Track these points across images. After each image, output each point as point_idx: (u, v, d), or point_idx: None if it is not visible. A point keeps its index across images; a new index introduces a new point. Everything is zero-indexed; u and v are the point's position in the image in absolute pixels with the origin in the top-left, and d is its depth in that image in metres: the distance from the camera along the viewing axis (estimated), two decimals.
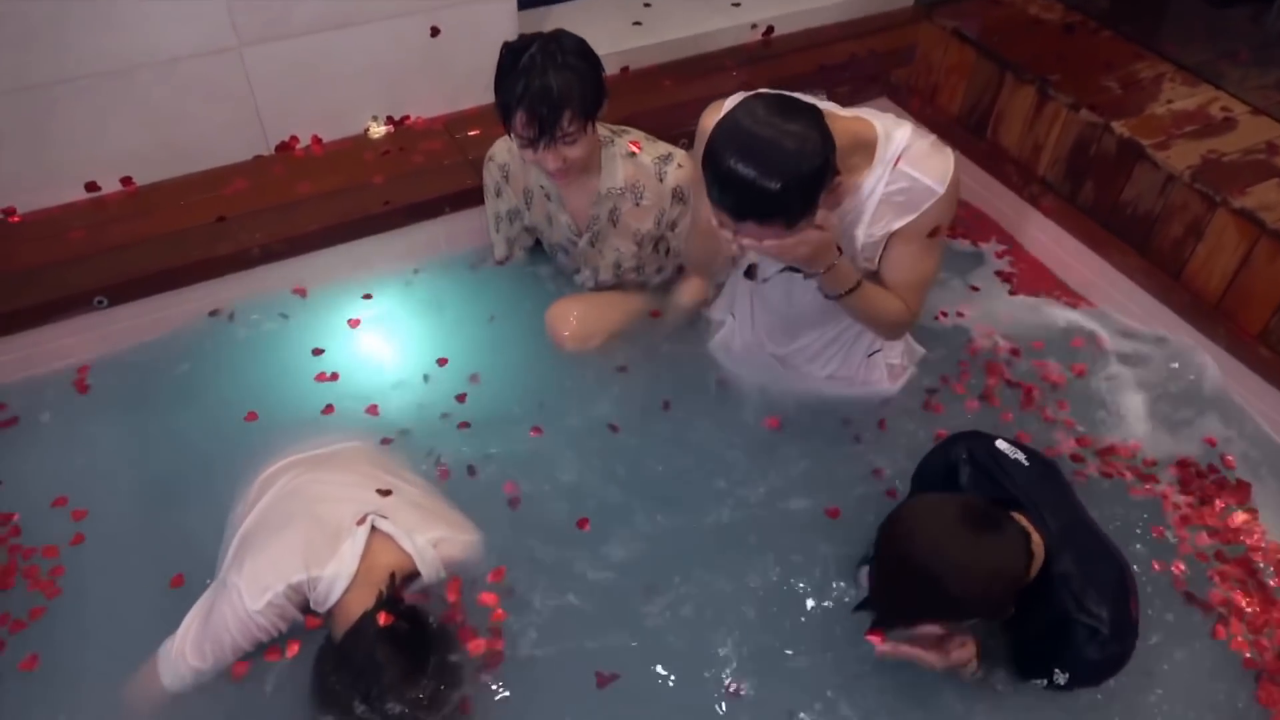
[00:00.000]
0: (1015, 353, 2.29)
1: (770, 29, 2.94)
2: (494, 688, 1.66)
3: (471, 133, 2.56)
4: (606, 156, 2.05)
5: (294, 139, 2.50)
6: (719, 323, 2.21)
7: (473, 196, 2.38)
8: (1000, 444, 1.70)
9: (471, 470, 1.99)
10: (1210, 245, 2.17)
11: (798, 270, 1.67)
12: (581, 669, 1.69)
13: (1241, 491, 2.03)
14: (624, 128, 2.13)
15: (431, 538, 1.68)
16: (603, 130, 2.06)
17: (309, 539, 1.61)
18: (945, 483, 1.73)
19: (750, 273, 1.89)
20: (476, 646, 1.67)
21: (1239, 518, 1.98)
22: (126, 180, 2.36)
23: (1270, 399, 2.14)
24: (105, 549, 1.86)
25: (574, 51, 1.87)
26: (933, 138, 1.68)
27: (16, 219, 2.27)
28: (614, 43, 2.74)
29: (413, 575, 1.65)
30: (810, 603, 1.81)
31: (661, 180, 2.06)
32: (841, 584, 1.81)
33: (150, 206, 2.32)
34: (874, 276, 1.74)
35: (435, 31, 2.47)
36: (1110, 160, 2.33)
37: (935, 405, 2.13)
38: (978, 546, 1.45)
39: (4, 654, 1.70)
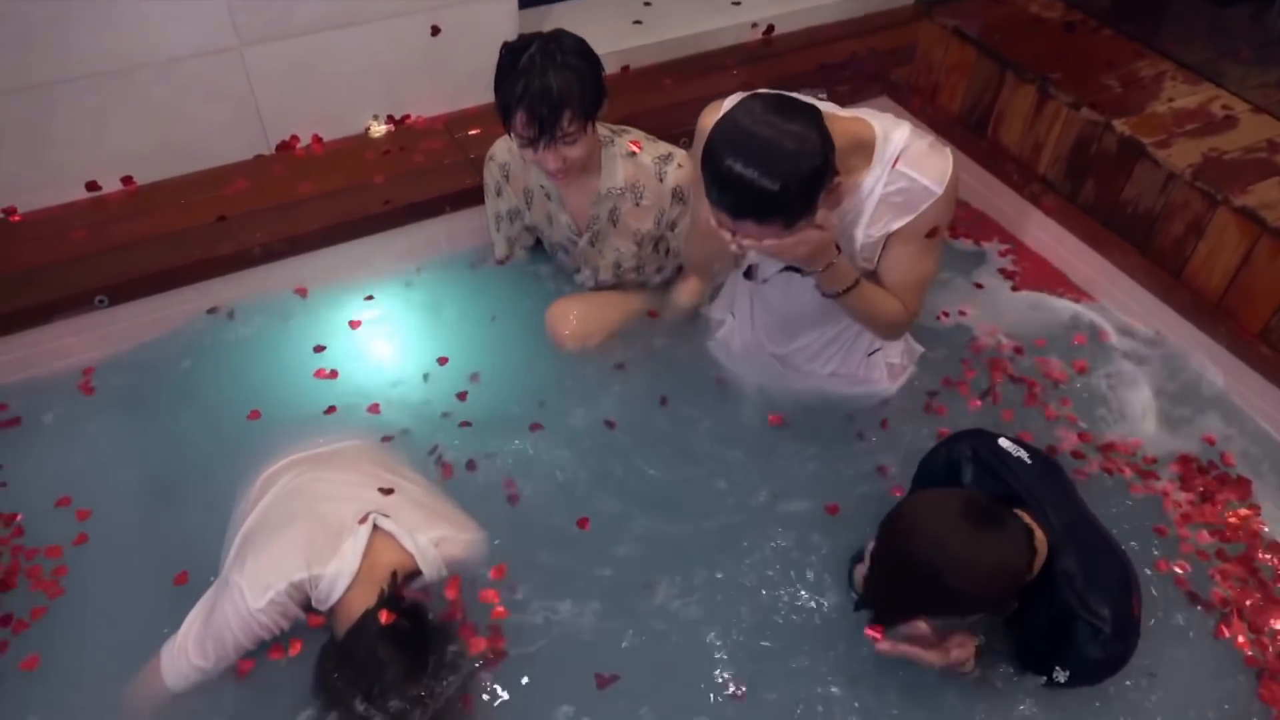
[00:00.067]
0: (1019, 350, 2.29)
1: (771, 28, 2.94)
2: (495, 686, 1.66)
3: (472, 132, 2.56)
4: (606, 156, 2.05)
5: (294, 138, 2.50)
6: (719, 321, 2.21)
7: (473, 196, 2.38)
8: (1003, 442, 1.71)
9: (472, 468, 1.99)
10: (1211, 244, 2.17)
11: (797, 270, 1.67)
12: (582, 667, 1.70)
13: (1242, 487, 2.03)
14: (624, 127, 2.13)
15: (433, 536, 1.68)
16: (603, 130, 2.06)
17: (311, 537, 1.61)
18: (948, 480, 1.73)
19: (750, 273, 1.89)
20: (477, 645, 1.67)
21: (1240, 515, 1.97)
22: (127, 180, 2.36)
23: (1271, 397, 2.13)
24: (108, 548, 1.86)
25: (574, 51, 1.87)
26: (931, 138, 1.68)
27: (17, 218, 2.27)
28: (614, 41, 2.74)
29: (414, 574, 1.65)
30: (811, 602, 1.80)
31: (661, 180, 2.06)
32: (842, 582, 1.81)
33: (151, 206, 2.33)
34: (873, 276, 1.74)
35: (436, 31, 2.47)
36: (1111, 159, 2.33)
37: (938, 403, 2.13)
38: (980, 542, 1.45)
39: (6, 655, 1.70)
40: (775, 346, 2.09)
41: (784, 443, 2.06)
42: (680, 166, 2.05)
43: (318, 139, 2.52)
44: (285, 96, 2.41)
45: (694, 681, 1.69)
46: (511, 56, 1.85)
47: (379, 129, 2.57)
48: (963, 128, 2.69)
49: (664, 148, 2.10)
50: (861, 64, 2.86)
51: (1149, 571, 1.84)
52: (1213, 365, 2.22)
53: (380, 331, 2.29)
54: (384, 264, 2.40)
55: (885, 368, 2.08)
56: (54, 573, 1.81)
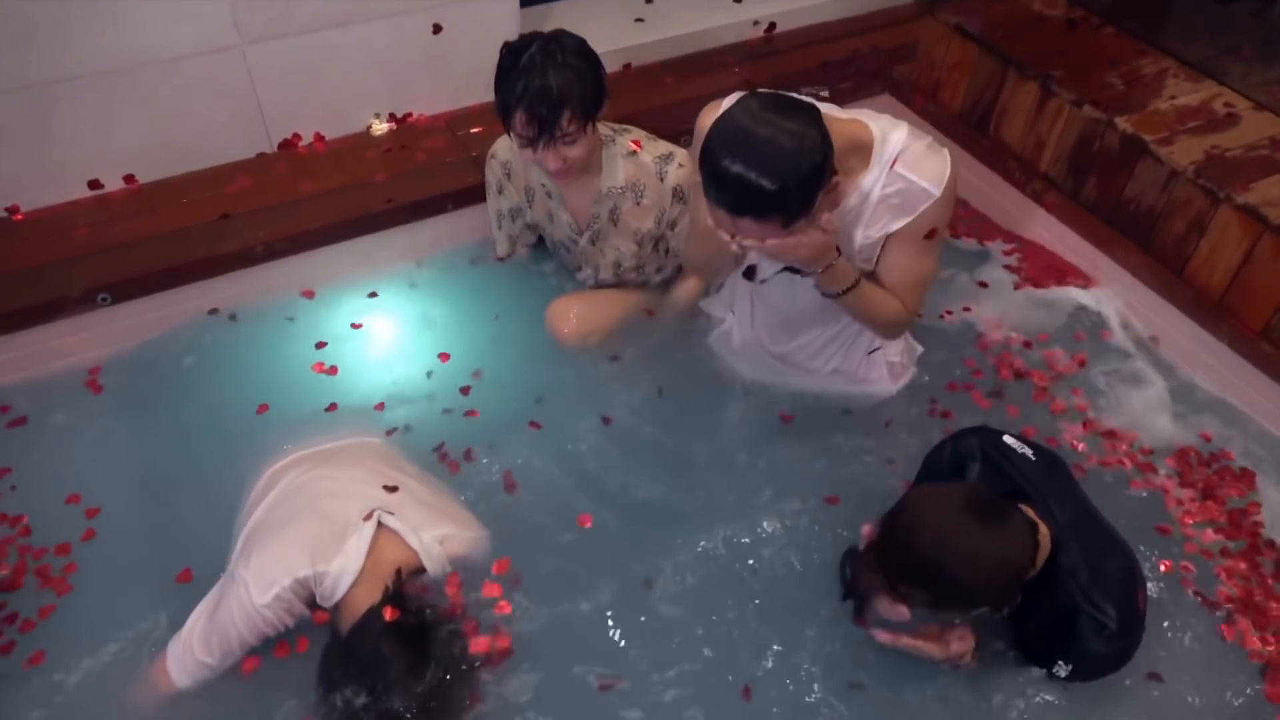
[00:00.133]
0: (1027, 345, 2.29)
1: (772, 25, 2.94)
2: (498, 683, 1.66)
3: (474, 130, 2.56)
4: (607, 156, 2.06)
5: (296, 136, 2.50)
6: (719, 319, 2.21)
7: (475, 194, 2.38)
8: (1007, 438, 1.71)
9: (474, 465, 1.99)
10: (1213, 241, 2.17)
11: (797, 270, 1.67)
12: (585, 665, 1.70)
13: (1246, 480, 2.03)
14: (625, 126, 2.13)
15: (438, 534, 1.69)
16: (604, 129, 2.06)
17: (316, 534, 1.61)
18: (953, 476, 1.74)
19: (749, 273, 1.89)
20: (481, 642, 1.67)
21: (1244, 512, 1.97)
22: (130, 178, 2.36)
23: (1273, 395, 2.13)
24: (116, 545, 1.87)
25: (574, 51, 1.86)
26: (929, 139, 1.68)
27: (20, 217, 2.28)
28: (616, 39, 2.74)
29: (418, 571, 1.65)
30: (813, 598, 1.80)
31: (662, 179, 2.06)
32: (846, 578, 1.81)
33: (153, 204, 2.33)
34: (872, 276, 1.74)
35: (437, 29, 2.47)
36: (1113, 156, 2.33)
37: (941, 401, 2.13)
38: (983, 536, 1.45)
39: (14, 654, 1.71)
40: (775, 345, 2.09)
41: (784, 440, 2.06)
42: (681, 166, 2.05)
43: (320, 137, 2.52)
44: (287, 95, 2.41)
45: (697, 680, 1.70)
46: (512, 56, 1.85)
47: (381, 127, 2.57)
48: (965, 125, 2.68)
49: (665, 147, 2.10)
50: (863, 61, 2.86)
51: (1153, 571, 1.84)
52: (1214, 362, 2.22)
53: (383, 329, 2.30)
54: (386, 262, 2.41)
55: (885, 366, 2.08)
56: (63, 570, 1.82)
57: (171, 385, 2.15)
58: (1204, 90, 2.42)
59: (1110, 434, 2.11)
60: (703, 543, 1.88)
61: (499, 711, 1.63)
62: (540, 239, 2.39)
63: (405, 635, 1.52)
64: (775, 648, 1.73)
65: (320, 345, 2.22)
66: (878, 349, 2.05)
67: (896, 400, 2.10)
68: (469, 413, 2.10)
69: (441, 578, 1.68)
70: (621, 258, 2.19)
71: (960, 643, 1.59)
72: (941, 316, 2.35)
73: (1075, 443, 2.09)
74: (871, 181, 1.65)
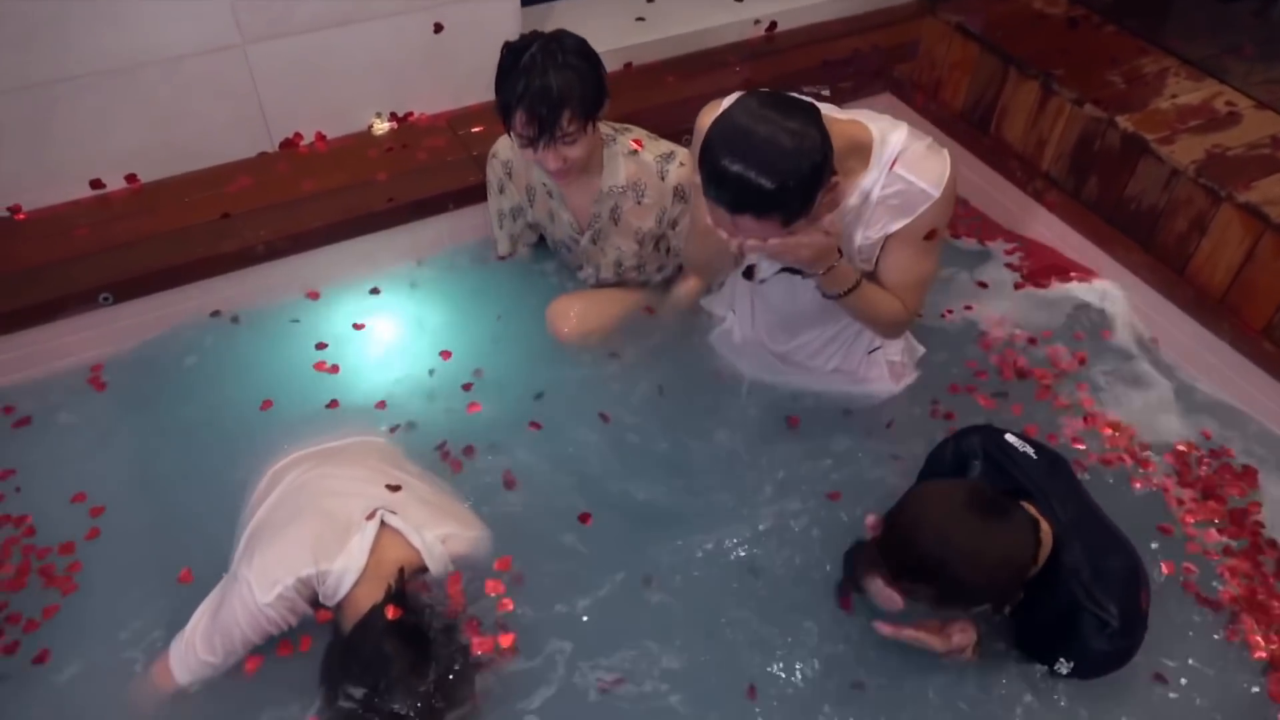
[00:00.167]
0: (1032, 341, 2.29)
1: (773, 24, 2.94)
2: (500, 682, 1.66)
3: (475, 129, 2.56)
4: (608, 155, 2.06)
5: (298, 136, 2.50)
6: (720, 318, 2.21)
7: (476, 193, 2.38)
8: (1009, 437, 1.71)
9: (475, 463, 1.99)
10: (1214, 240, 2.17)
11: (797, 271, 1.67)
12: (587, 663, 1.70)
13: (1247, 479, 2.03)
14: (626, 125, 2.13)
15: (440, 534, 1.69)
16: (605, 128, 2.06)
17: (318, 533, 1.61)
18: (955, 475, 1.74)
19: (749, 273, 1.89)
20: (483, 642, 1.67)
21: (1245, 511, 1.97)
22: (131, 177, 2.37)
23: (1274, 394, 2.13)
24: (120, 544, 1.87)
25: (574, 51, 1.86)
26: (929, 140, 1.67)
27: (22, 216, 2.28)
28: (617, 39, 2.74)
29: (421, 570, 1.65)
30: (816, 596, 1.81)
31: (663, 179, 2.06)
32: (846, 581, 1.81)
33: (155, 204, 2.33)
34: (872, 276, 1.74)
35: (438, 28, 2.47)
36: (1114, 155, 2.33)
37: (943, 401, 2.13)
38: (985, 533, 1.46)
39: (18, 654, 1.71)
40: (775, 344, 2.09)
41: (785, 439, 2.06)
42: (682, 165, 2.05)
43: (321, 136, 2.52)
44: (288, 94, 2.41)
45: (698, 679, 1.70)
46: (512, 56, 1.85)
47: (382, 126, 2.58)
48: (966, 124, 2.68)
49: (666, 146, 2.10)
50: (864, 61, 2.86)
51: (1156, 571, 1.84)
52: (1216, 361, 2.22)
53: (384, 328, 2.30)
54: (387, 261, 2.41)
55: (886, 366, 2.08)
56: (67, 569, 1.82)
57: (174, 384, 2.15)
58: (1205, 89, 2.42)
59: (1111, 433, 2.11)
60: (703, 541, 1.88)
61: (501, 710, 1.63)
62: (541, 238, 2.39)
63: (407, 634, 1.52)
64: (776, 647, 1.74)
65: (321, 345, 2.22)
66: (878, 348, 2.05)
67: (898, 400, 2.10)
68: (470, 410, 2.10)
69: (444, 577, 1.68)
70: (622, 257, 2.19)
71: (962, 635, 1.59)
72: (943, 316, 2.35)
73: (1076, 441, 2.08)
74: (871, 182, 1.64)
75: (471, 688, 1.60)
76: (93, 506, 1.92)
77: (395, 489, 1.74)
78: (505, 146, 2.21)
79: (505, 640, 1.69)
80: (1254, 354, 2.14)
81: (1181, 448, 2.10)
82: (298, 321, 2.29)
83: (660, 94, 2.67)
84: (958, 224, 2.63)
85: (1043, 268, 2.51)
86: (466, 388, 2.15)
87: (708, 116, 1.64)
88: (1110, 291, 2.41)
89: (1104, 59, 2.51)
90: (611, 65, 2.59)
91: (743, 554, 1.87)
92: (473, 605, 1.72)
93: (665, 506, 1.94)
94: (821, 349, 2.06)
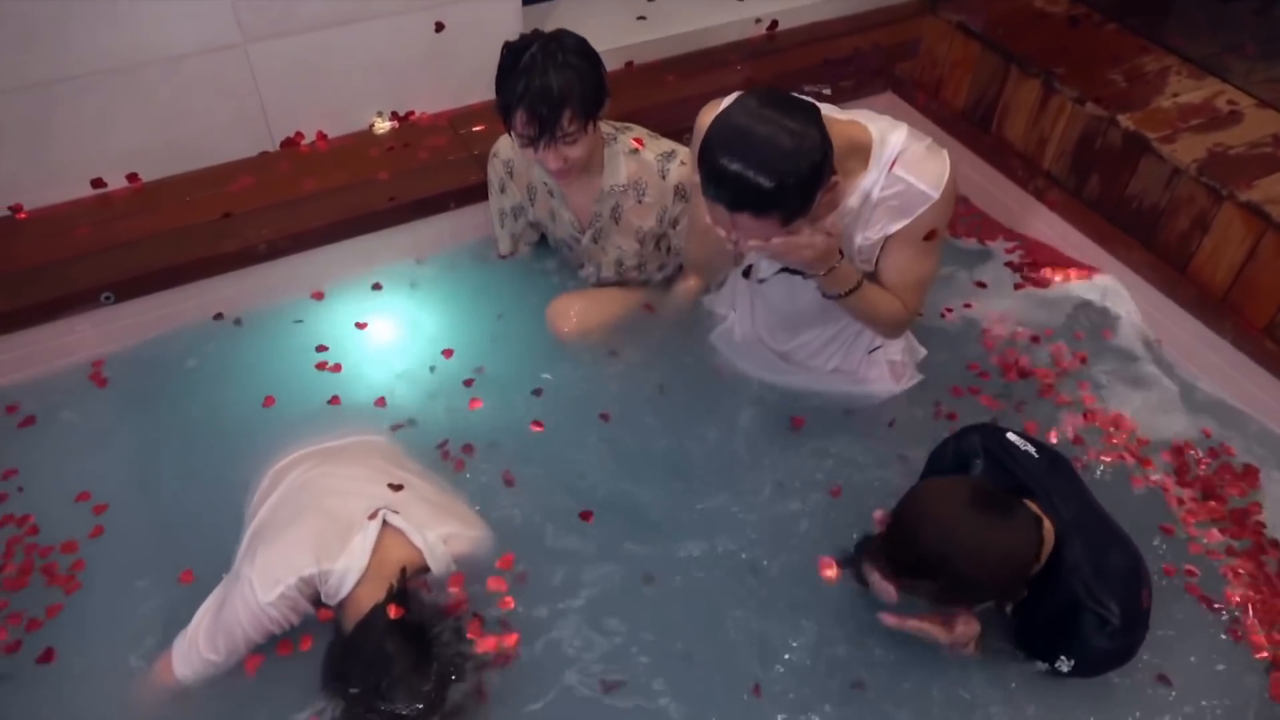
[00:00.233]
0: (1034, 340, 2.29)
1: (774, 23, 2.94)
2: (502, 681, 1.66)
3: (476, 128, 2.56)
4: (609, 154, 2.05)
5: (299, 135, 2.50)
6: (721, 316, 2.21)
7: (477, 192, 2.38)
8: (1011, 436, 1.71)
9: (476, 462, 1.99)
10: (1216, 239, 2.17)
11: (797, 271, 1.67)
12: (586, 664, 1.70)
13: (1248, 478, 2.03)
14: (627, 124, 2.13)
15: (442, 533, 1.69)
16: (605, 127, 2.06)
17: (320, 532, 1.62)
18: (956, 473, 1.74)
19: (748, 272, 1.89)
20: (484, 641, 1.67)
21: (1246, 511, 1.97)
22: (132, 177, 2.37)
23: (1276, 393, 2.13)
24: (123, 542, 1.87)
25: (574, 50, 1.86)
26: (928, 141, 1.67)
27: (23, 216, 2.28)
28: (618, 38, 2.74)
29: (423, 570, 1.66)
30: (818, 594, 1.81)
31: (664, 177, 2.06)
32: (849, 574, 1.81)
33: (156, 203, 2.33)
34: (872, 276, 1.74)
35: (440, 27, 2.47)
36: (1116, 154, 2.33)
37: (944, 402, 2.13)
38: (989, 529, 1.46)
39: (20, 652, 1.71)
40: (776, 343, 2.09)
41: (786, 438, 2.06)
42: (683, 164, 2.05)
43: (322, 135, 2.52)
44: (289, 93, 2.41)
45: (699, 678, 1.70)
46: (512, 56, 1.85)
47: (383, 125, 2.58)
48: (967, 123, 2.68)
49: (667, 145, 2.10)
50: (865, 59, 2.86)
51: (1158, 572, 1.83)
52: (1217, 360, 2.22)
53: (385, 327, 2.30)
54: (388, 260, 2.41)
55: (886, 365, 2.07)
56: (71, 568, 1.83)
57: (175, 383, 2.16)
58: (1207, 88, 2.42)
59: (1111, 431, 2.11)
60: (703, 540, 1.88)
61: (503, 709, 1.63)
62: (543, 237, 2.39)
63: (409, 633, 1.52)
64: (776, 646, 1.74)
65: (322, 348, 2.22)
66: (878, 348, 2.05)
67: (900, 401, 2.10)
68: (471, 408, 2.10)
69: (445, 576, 1.68)
70: (623, 256, 2.19)
71: (966, 626, 1.59)
72: (942, 315, 2.35)
73: (1076, 439, 2.08)
74: (870, 183, 1.64)
75: (472, 687, 1.60)
76: (95, 505, 1.92)
77: (397, 488, 1.74)
78: (506, 145, 2.21)
79: (507, 640, 1.69)
80: (1256, 353, 2.14)
81: (1182, 447, 2.09)
82: (301, 321, 2.29)
83: (661, 93, 2.67)
84: (958, 223, 2.63)
85: (1043, 268, 2.51)
86: (468, 384, 2.15)
87: (708, 115, 1.63)
88: (1111, 290, 2.41)
89: (1105, 57, 2.51)
90: (612, 64, 2.59)
91: (743, 553, 1.87)
92: (475, 604, 1.72)
93: (666, 506, 1.94)
94: (822, 349, 2.06)
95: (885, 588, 1.57)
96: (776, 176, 1.40)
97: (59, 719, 1.64)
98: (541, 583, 1.79)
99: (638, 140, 2.07)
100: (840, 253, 1.61)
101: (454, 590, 1.69)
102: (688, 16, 2.85)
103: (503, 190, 2.27)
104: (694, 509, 1.94)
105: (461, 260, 2.44)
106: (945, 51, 2.69)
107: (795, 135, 1.41)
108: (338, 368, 2.18)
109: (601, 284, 2.29)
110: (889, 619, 1.60)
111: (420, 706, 1.50)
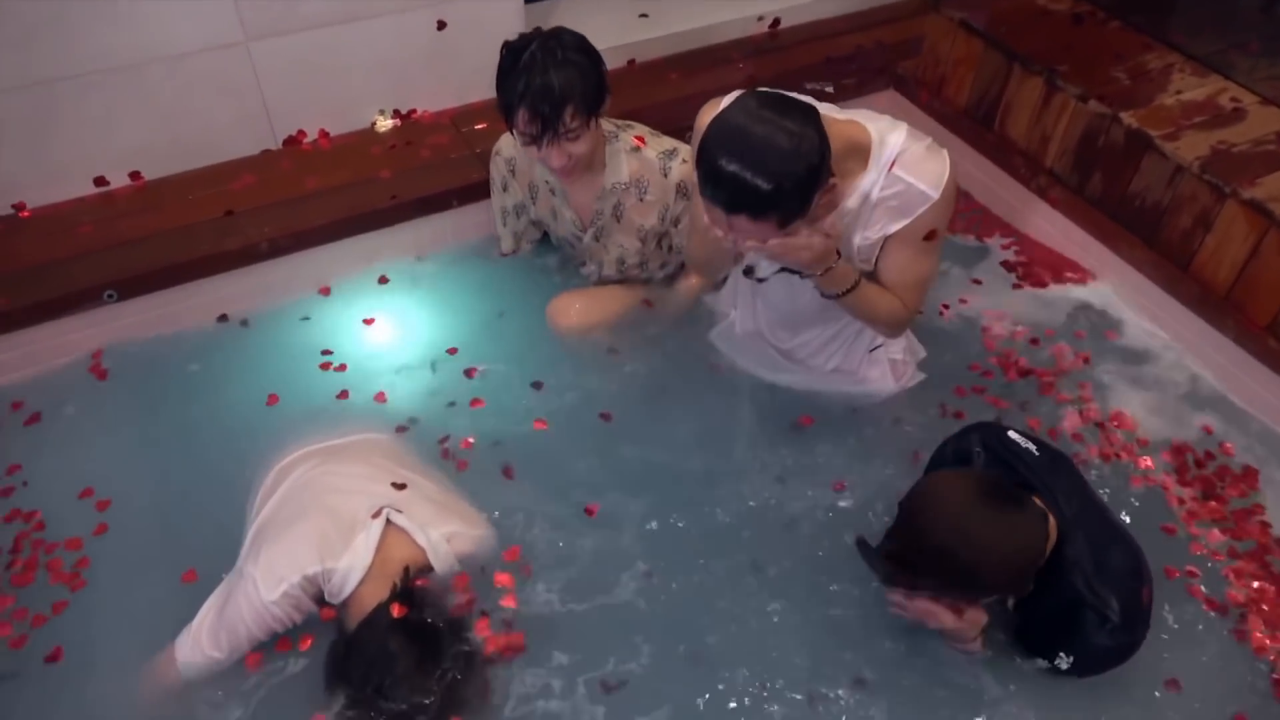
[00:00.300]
0: (1034, 341, 2.29)
1: (777, 21, 2.94)
2: (506, 679, 1.67)
3: (478, 126, 2.56)
4: (611, 152, 2.05)
5: (301, 133, 2.50)
6: (722, 314, 2.22)
7: (480, 190, 2.38)
8: (1011, 433, 1.71)
9: (478, 460, 2.00)
10: (1219, 236, 2.16)
11: (796, 271, 1.67)
12: (589, 661, 1.70)
13: (1249, 478, 2.03)
14: (628, 123, 2.13)
15: (445, 532, 1.69)
16: (607, 125, 2.06)
17: (324, 531, 1.62)
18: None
19: (749, 271, 1.89)
20: (489, 639, 1.68)
21: (1248, 511, 1.97)
22: (135, 175, 2.37)
23: (1278, 391, 2.13)
24: (128, 539, 1.87)
25: (574, 48, 1.86)
26: (928, 141, 1.67)
27: (26, 214, 2.29)
28: (620, 35, 2.74)
29: (426, 569, 1.66)
30: (821, 592, 1.81)
31: (666, 175, 2.06)
32: (852, 572, 1.81)
33: (159, 201, 2.34)
34: (872, 276, 1.74)
35: (442, 25, 2.47)
36: (1119, 151, 2.32)
37: (948, 402, 2.13)
38: (999, 522, 1.46)
39: (25, 648, 1.71)
40: (778, 342, 2.09)
41: (788, 437, 2.06)
42: (685, 161, 2.05)
43: (324, 134, 2.52)
44: (292, 91, 2.41)
45: (701, 676, 1.70)
46: (512, 55, 1.85)
47: (385, 123, 2.58)
48: (970, 120, 2.68)
49: (668, 143, 2.09)
50: (868, 57, 2.86)
51: (1160, 573, 1.82)
52: (1220, 358, 2.22)
53: (387, 325, 2.30)
54: (391, 258, 2.41)
55: (887, 364, 2.07)
56: (76, 565, 1.83)
57: (179, 381, 2.16)
58: (1210, 85, 2.41)
59: (1113, 431, 2.11)
60: (705, 539, 1.89)
61: (505, 708, 1.63)
62: (545, 235, 2.39)
63: (412, 631, 1.53)
64: (778, 645, 1.74)
65: (326, 351, 2.22)
66: (879, 346, 2.05)
67: (901, 400, 2.10)
68: (473, 406, 2.10)
69: (449, 575, 1.69)
70: (625, 254, 2.19)
71: (975, 611, 1.58)
72: (940, 314, 2.35)
73: (1076, 437, 2.08)
74: (870, 184, 1.64)
75: (476, 685, 1.61)
76: (99, 501, 1.92)
77: (400, 487, 1.75)
78: (508, 144, 2.21)
79: (511, 639, 1.70)
80: (1258, 351, 2.14)
81: (1183, 445, 2.09)
82: (308, 319, 2.29)
83: (663, 91, 2.67)
84: (960, 220, 2.62)
85: (1046, 266, 2.51)
86: (469, 374, 2.15)
87: (707, 115, 1.63)
88: (1113, 287, 2.41)
89: (1108, 55, 2.50)
90: (614, 62, 2.59)
91: (744, 552, 1.87)
92: (478, 603, 1.72)
93: (666, 505, 1.94)
94: (823, 347, 2.05)
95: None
96: (774, 179, 1.40)
97: (64, 717, 1.65)
98: (543, 581, 1.80)
99: (639, 138, 2.07)
100: (838, 253, 1.61)
101: (458, 589, 1.69)
102: (690, 14, 2.85)
103: (505, 188, 2.27)
104: (695, 507, 1.94)
105: (463, 258, 2.44)
106: (948, 49, 2.69)
107: (793, 136, 1.40)
108: (344, 367, 2.18)
109: (603, 282, 2.30)
110: (895, 598, 1.60)
111: (424, 703, 1.50)
